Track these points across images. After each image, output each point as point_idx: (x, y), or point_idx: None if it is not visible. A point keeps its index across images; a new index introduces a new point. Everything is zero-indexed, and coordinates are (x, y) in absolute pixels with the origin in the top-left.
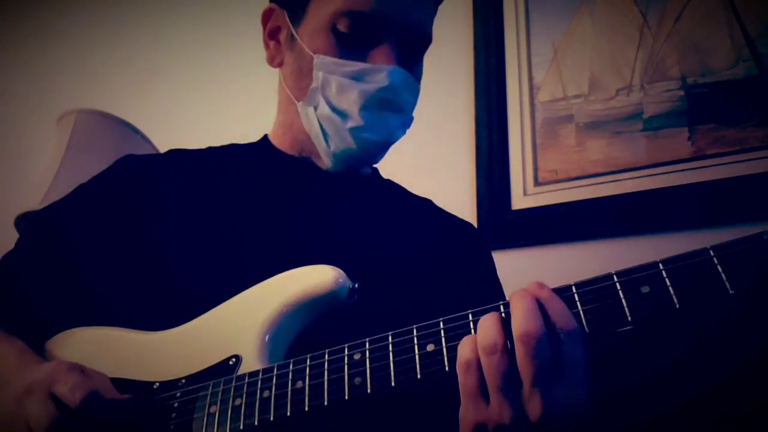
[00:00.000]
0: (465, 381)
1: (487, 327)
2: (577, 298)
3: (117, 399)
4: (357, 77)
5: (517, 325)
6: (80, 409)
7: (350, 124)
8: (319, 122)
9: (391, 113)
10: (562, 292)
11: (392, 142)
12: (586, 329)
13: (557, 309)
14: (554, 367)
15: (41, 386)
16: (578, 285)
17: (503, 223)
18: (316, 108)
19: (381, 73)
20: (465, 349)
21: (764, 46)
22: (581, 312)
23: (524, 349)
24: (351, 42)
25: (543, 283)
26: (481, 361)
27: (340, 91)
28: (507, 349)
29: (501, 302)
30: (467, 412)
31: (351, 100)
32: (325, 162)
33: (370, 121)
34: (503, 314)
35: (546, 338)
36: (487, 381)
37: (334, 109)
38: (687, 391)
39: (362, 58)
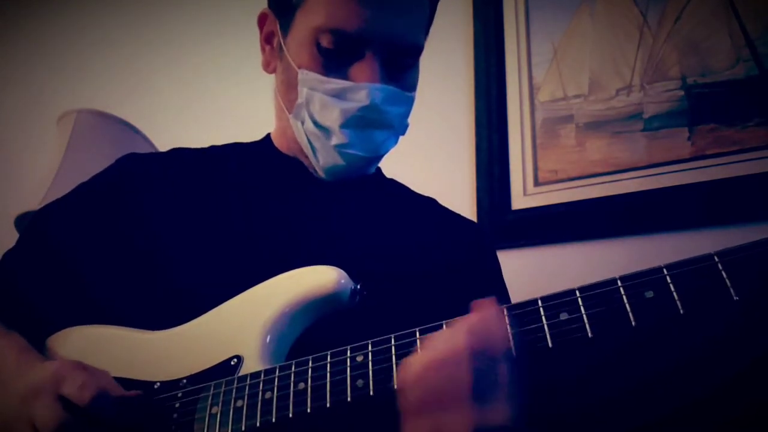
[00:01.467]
0: (402, 400)
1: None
2: (580, 303)
3: (125, 396)
4: (338, 95)
5: (446, 344)
6: (89, 408)
7: (334, 141)
8: (307, 137)
9: (375, 130)
10: (566, 296)
11: (381, 156)
12: (590, 333)
13: (493, 329)
14: (486, 384)
15: (47, 387)
16: (582, 289)
17: (503, 223)
18: (302, 123)
19: (361, 91)
20: (403, 371)
21: (764, 46)
22: (584, 316)
23: (452, 366)
24: (333, 57)
25: (492, 302)
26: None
27: (322, 109)
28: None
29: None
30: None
31: (333, 118)
32: (319, 173)
33: (354, 138)
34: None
35: (472, 357)
36: (426, 396)
37: (318, 125)
38: (689, 396)
39: (344, 73)
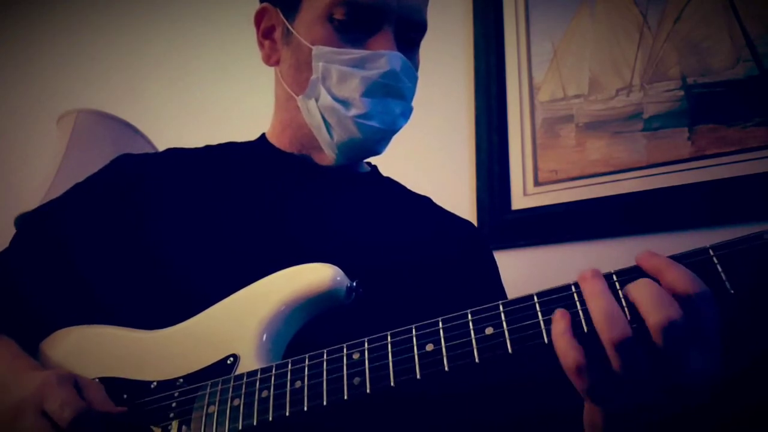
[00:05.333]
0: (582, 383)
1: (611, 315)
2: (576, 298)
3: (110, 413)
4: (357, 65)
5: (652, 314)
6: (70, 429)
7: (353, 112)
8: (321, 113)
9: (393, 99)
10: (562, 291)
11: (395, 131)
12: (585, 329)
13: (680, 276)
14: (692, 338)
15: (31, 404)
16: (577, 284)
17: (503, 223)
18: (317, 99)
19: (382, 58)
20: (570, 351)
21: (764, 46)
22: (580, 312)
23: (663, 338)
24: (349, 30)
25: (653, 252)
26: (608, 355)
27: (341, 80)
28: (638, 340)
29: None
30: (593, 411)
31: (353, 88)
32: (328, 155)
33: (373, 108)
34: (616, 283)
35: (684, 319)
36: (618, 375)
37: (336, 98)
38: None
39: (361, 45)
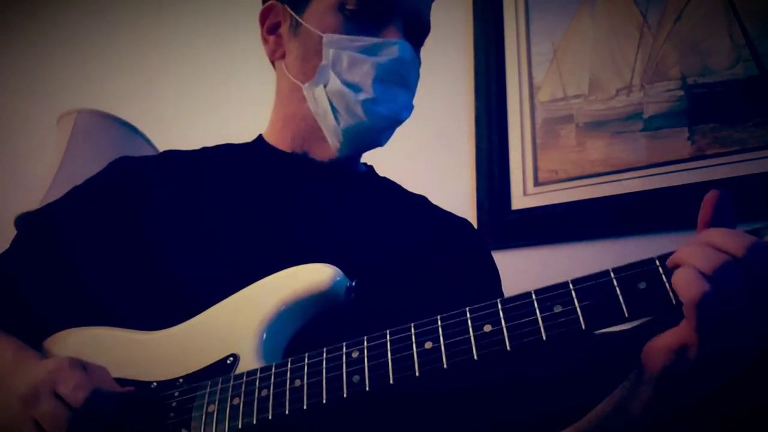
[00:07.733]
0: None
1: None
2: (574, 295)
3: (120, 393)
4: (369, 51)
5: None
6: (84, 409)
7: (363, 96)
8: (329, 99)
9: (400, 89)
10: (559, 288)
11: (399, 121)
12: (583, 326)
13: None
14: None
15: (45, 387)
16: (575, 281)
17: (503, 223)
18: (325, 85)
19: (393, 46)
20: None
21: (764, 46)
22: (578, 308)
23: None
24: (359, 21)
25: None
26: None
27: (351, 65)
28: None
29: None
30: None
31: (364, 72)
32: (332, 143)
33: (381, 94)
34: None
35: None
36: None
37: (345, 83)
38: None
39: (371, 36)
